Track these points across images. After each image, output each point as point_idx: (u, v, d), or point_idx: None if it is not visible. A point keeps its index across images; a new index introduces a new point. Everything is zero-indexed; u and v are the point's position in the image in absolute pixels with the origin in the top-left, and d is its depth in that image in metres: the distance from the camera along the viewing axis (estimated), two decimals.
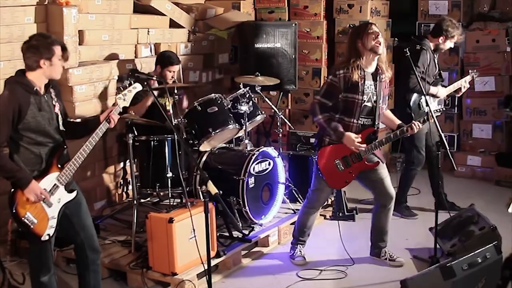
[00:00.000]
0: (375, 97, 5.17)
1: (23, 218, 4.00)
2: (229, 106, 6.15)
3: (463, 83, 6.63)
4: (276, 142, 7.43)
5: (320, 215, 6.60)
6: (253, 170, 5.88)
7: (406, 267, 5.49)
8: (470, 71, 6.93)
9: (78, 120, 5.40)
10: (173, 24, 7.46)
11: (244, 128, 6.21)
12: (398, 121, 5.40)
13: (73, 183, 4.31)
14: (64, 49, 4.16)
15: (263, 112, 6.59)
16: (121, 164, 6.88)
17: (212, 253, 5.14)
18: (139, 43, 6.97)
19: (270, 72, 7.40)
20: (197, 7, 7.87)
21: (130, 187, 6.73)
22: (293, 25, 7.91)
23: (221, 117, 6.00)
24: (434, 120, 5.24)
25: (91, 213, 4.55)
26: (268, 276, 5.44)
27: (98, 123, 4.29)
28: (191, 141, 5.94)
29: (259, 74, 6.67)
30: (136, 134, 5.89)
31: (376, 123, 5.23)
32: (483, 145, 8.49)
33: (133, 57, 6.90)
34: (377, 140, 5.23)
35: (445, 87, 6.61)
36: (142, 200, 6.33)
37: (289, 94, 8.62)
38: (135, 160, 5.91)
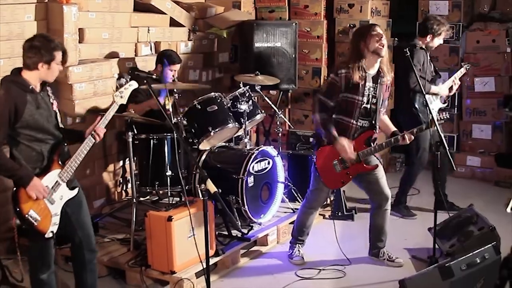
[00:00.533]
0: (374, 100, 5.17)
1: (26, 216, 4.00)
2: (228, 105, 6.15)
3: (454, 80, 6.66)
4: (275, 141, 7.44)
5: (319, 214, 6.60)
6: (253, 169, 5.88)
7: (405, 267, 5.49)
8: (462, 63, 6.97)
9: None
10: (173, 23, 7.46)
11: (243, 127, 6.20)
12: (393, 128, 5.39)
13: (74, 181, 4.32)
14: (64, 54, 4.16)
15: (263, 111, 6.59)
16: (121, 163, 6.88)
17: (211, 252, 5.13)
18: (139, 41, 6.97)
19: (270, 72, 7.41)
20: (197, 6, 7.88)
21: (129, 185, 6.72)
22: (293, 24, 7.91)
23: (221, 116, 6.00)
24: (436, 125, 5.23)
25: (90, 211, 4.56)
26: (266, 275, 5.44)
27: (81, 136, 4.30)
28: (191, 140, 5.94)
29: (259, 73, 6.67)
30: (135, 132, 5.89)
31: (375, 126, 5.23)
32: (483, 145, 8.49)
33: (133, 55, 6.90)
34: (377, 144, 5.22)
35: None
36: (142, 199, 6.33)
37: (289, 94, 8.62)
38: (135, 158, 5.91)
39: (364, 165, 5.24)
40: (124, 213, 6.17)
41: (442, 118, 5.40)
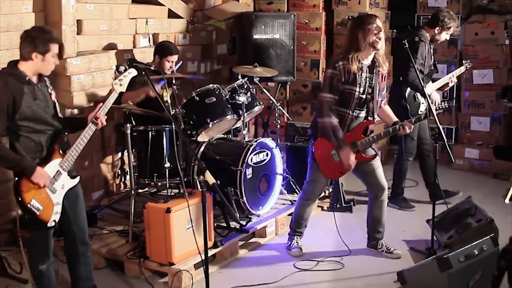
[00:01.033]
0: (370, 90, 5.16)
1: (28, 205, 4.01)
2: (227, 97, 6.14)
3: (452, 78, 6.63)
4: (274, 133, 7.44)
5: (318, 206, 6.61)
6: (251, 161, 5.89)
7: (403, 259, 5.50)
8: (464, 61, 6.94)
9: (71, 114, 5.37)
10: (172, 15, 7.45)
11: (242, 119, 6.20)
12: (395, 118, 5.38)
13: (74, 170, 4.33)
14: (61, 47, 4.17)
15: (261, 103, 6.59)
16: (119, 154, 6.88)
17: (210, 244, 5.13)
18: (137, 33, 6.96)
19: (269, 63, 7.40)
20: None
21: (128, 177, 6.72)
22: (292, 16, 7.89)
23: (219, 107, 6.00)
24: (434, 116, 5.23)
25: (89, 203, 4.57)
26: (265, 266, 5.45)
27: (84, 123, 4.31)
28: (189, 132, 5.93)
29: (258, 65, 6.67)
30: (134, 124, 5.89)
31: (372, 116, 5.23)
32: (481, 138, 8.50)
33: (131, 47, 6.89)
34: (375, 134, 5.22)
35: (434, 81, 6.62)
36: (140, 190, 6.35)
37: (287, 85, 8.61)
38: (133, 150, 5.91)
39: (363, 154, 5.24)
40: (123, 205, 6.17)
41: (440, 107, 5.40)
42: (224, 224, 5.73)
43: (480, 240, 4.58)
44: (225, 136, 6.44)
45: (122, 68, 4.54)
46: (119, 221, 5.95)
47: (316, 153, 5.30)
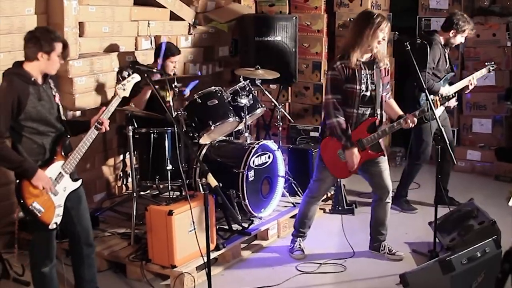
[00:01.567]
0: (373, 86, 5.15)
1: (30, 207, 4.01)
2: (229, 99, 6.14)
3: (471, 80, 6.53)
4: (276, 135, 7.43)
5: (320, 208, 6.60)
6: (253, 163, 5.88)
7: (406, 261, 5.49)
8: (486, 63, 6.76)
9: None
10: (174, 17, 7.45)
11: (244, 121, 6.20)
12: (400, 112, 5.35)
13: (76, 173, 4.33)
14: (65, 47, 4.17)
15: (263, 105, 6.59)
16: (121, 157, 6.87)
17: (212, 246, 5.14)
18: (139, 35, 6.96)
19: (270, 65, 7.40)
20: (198, 0, 7.85)
21: (130, 179, 6.72)
22: (294, 18, 7.89)
23: (221, 110, 5.99)
24: (436, 118, 5.22)
25: (91, 205, 4.57)
26: (267, 269, 5.44)
27: (87, 126, 4.31)
28: (191, 134, 5.93)
29: (259, 67, 6.67)
30: (136, 126, 5.88)
31: (378, 112, 5.21)
32: (483, 139, 8.48)
33: (133, 49, 6.89)
34: (380, 130, 5.20)
35: (452, 83, 6.57)
36: (142, 193, 6.34)
37: (289, 88, 8.61)
38: (135, 152, 5.91)
39: (369, 151, 5.22)
40: (125, 207, 6.18)
41: (446, 96, 5.37)
42: (226, 227, 5.73)
43: (483, 242, 4.57)
44: (227, 138, 6.44)
45: (125, 73, 4.55)
46: (121, 223, 5.95)
47: (323, 154, 5.29)
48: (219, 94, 6.03)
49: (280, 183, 6.29)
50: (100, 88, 6.31)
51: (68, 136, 4.27)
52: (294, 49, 7.81)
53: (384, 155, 5.35)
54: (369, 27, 4.98)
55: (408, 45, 5.39)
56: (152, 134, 5.87)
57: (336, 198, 6.71)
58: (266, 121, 8.01)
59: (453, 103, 6.49)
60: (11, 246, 5.52)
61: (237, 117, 6.11)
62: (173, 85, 5.84)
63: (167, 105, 5.76)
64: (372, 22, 4.98)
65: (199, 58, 7.77)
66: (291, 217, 6.27)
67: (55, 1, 5.90)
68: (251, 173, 5.86)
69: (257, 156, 5.94)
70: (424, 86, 5.40)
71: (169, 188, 5.87)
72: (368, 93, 5.13)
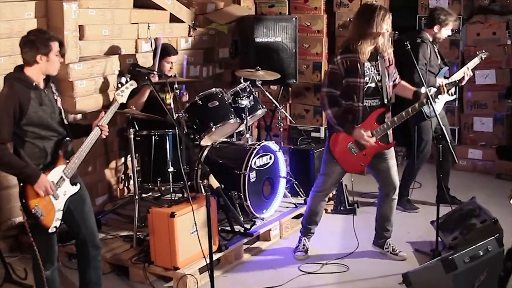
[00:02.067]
0: (378, 77, 5.14)
1: (32, 210, 4.01)
2: (230, 101, 6.15)
3: (466, 71, 6.57)
4: (277, 136, 7.43)
5: None
6: (254, 165, 5.88)
7: (408, 261, 5.49)
8: (477, 52, 6.82)
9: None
10: (173, 19, 7.45)
11: (245, 122, 6.20)
12: (413, 88, 5.34)
13: (77, 177, 4.33)
14: (61, 45, 4.17)
15: (264, 107, 6.59)
16: (122, 159, 6.88)
17: (214, 248, 5.14)
18: (139, 38, 6.95)
19: (271, 66, 7.40)
20: (197, 2, 7.85)
21: (131, 182, 6.73)
22: (294, 19, 7.89)
23: (222, 111, 6.00)
24: (436, 115, 5.22)
25: (92, 208, 4.56)
26: (270, 270, 5.44)
27: (88, 130, 4.32)
28: (192, 136, 5.93)
29: (260, 68, 6.67)
30: (137, 128, 5.89)
31: (386, 103, 5.19)
32: (484, 138, 8.48)
33: (133, 52, 6.89)
34: (389, 120, 5.19)
35: (447, 78, 6.59)
36: (144, 195, 6.34)
37: (290, 89, 8.61)
38: (136, 155, 5.91)
39: (380, 143, 5.21)
40: (127, 209, 6.17)
41: (452, 82, 5.38)
42: (229, 228, 5.73)
43: (485, 241, 4.56)
44: (228, 140, 6.44)
45: (123, 80, 4.56)
46: (123, 226, 5.95)
47: (334, 149, 5.28)
48: (219, 96, 6.04)
49: (282, 184, 6.29)
50: (100, 91, 6.31)
51: (70, 140, 4.27)
52: (294, 50, 7.81)
53: (391, 148, 5.33)
54: (373, 19, 4.98)
55: (408, 45, 5.41)
56: (153, 137, 5.87)
57: (338, 198, 6.71)
58: (267, 122, 8.00)
59: (447, 98, 6.49)
60: (14, 250, 5.53)
61: (238, 119, 6.11)
62: (174, 87, 5.85)
63: (168, 107, 5.77)
64: (377, 14, 5.00)
65: (199, 60, 7.77)
66: (293, 218, 6.28)
67: (55, 5, 5.91)
68: (253, 174, 5.87)
69: (258, 157, 5.94)
70: (424, 82, 5.44)
71: (171, 190, 5.87)
72: (373, 85, 5.12)
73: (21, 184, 4.03)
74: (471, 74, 6.60)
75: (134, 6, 6.93)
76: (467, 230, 5.43)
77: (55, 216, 4.14)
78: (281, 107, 7.12)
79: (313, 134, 8.47)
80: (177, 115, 5.81)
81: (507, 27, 8.19)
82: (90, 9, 6.37)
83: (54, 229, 4.15)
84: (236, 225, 5.77)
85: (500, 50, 8.24)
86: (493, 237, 4.62)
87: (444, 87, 5.40)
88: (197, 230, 4.99)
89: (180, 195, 6.12)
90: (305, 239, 5.70)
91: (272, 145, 6.19)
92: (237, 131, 6.47)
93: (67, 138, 4.24)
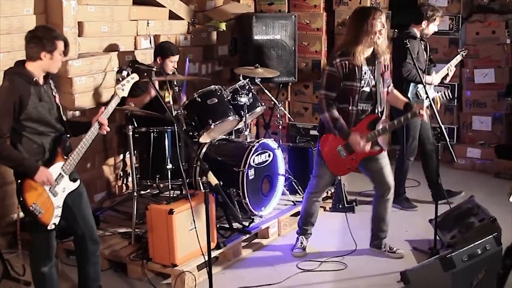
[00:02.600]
0: (373, 82, 5.14)
1: (30, 208, 4.00)
2: (229, 98, 6.14)
3: (450, 67, 6.65)
4: (275, 134, 7.44)
5: (320, 206, 6.58)
6: (253, 162, 5.88)
7: (406, 259, 5.49)
8: (458, 50, 6.95)
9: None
10: (173, 16, 7.45)
11: (244, 119, 6.20)
12: (405, 99, 5.36)
13: (75, 173, 4.32)
14: (66, 45, 4.18)
15: (263, 104, 6.59)
16: (121, 156, 6.88)
17: (212, 245, 5.14)
18: (138, 34, 6.96)
19: (270, 64, 7.41)
20: None
21: (130, 178, 6.73)
22: (293, 16, 7.88)
23: (221, 108, 6.00)
24: (434, 111, 5.23)
25: (91, 205, 4.56)
26: (268, 267, 5.44)
27: (87, 127, 4.31)
28: (191, 133, 5.93)
29: (259, 66, 6.67)
30: (136, 125, 5.87)
31: (378, 109, 5.18)
32: (483, 137, 8.48)
33: (132, 48, 6.89)
34: (379, 127, 5.19)
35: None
36: (142, 192, 6.33)
37: (289, 86, 8.61)
38: (135, 151, 5.90)
39: (370, 149, 5.20)
40: (125, 206, 6.17)
41: (443, 96, 5.39)
42: (227, 225, 5.73)
43: (483, 240, 4.57)
44: (227, 137, 6.44)
45: (125, 73, 4.55)
46: (122, 222, 5.95)
47: (323, 151, 5.28)
48: (218, 93, 6.03)
49: (280, 181, 6.29)
50: (99, 88, 6.31)
51: (69, 136, 4.27)
52: (293, 48, 7.81)
53: (384, 150, 5.31)
54: (366, 20, 4.97)
55: (408, 43, 5.42)
56: (152, 133, 5.86)
57: (336, 196, 6.71)
58: (266, 119, 8.01)
59: (434, 94, 6.54)
60: (12, 246, 5.52)
61: (237, 116, 6.11)
62: (174, 84, 5.85)
63: (167, 105, 5.76)
64: (368, 14, 5.00)
65: (199, 57, 7.77)
66: (291, 215, 6.28)
67: (54, 1, 5.91)
68: (251, 172, 5.86)
69: (257, 155, 5.94)
70: (422, 79, 5.47)
71: (170, 187, 5.88)
72: (367, 89, 5.11)
73: (19, 181, 4.03)
74: (454, 70, 6.77)
75: (133, 3, 6.94)
76: (466, 229, 5.44)
77: (54, 213, 4.13)
78: (280, 104, 7.12)
79: (312, 132, 8.48)
80: (176, 112, 5.81)
81: (506, 26, 8.20)
82: (89, 5, 6.38)
83: (53, 226, 4.14)
84: (235, 222, 5.76)
85: (499, 49, 8.24)
86: (491, 236, 4.63)
87: (438, 99, 5.42)
88: (195, 227, 4.99)
89: (179, 192, 6.11)
90: (302, 237, 5.70)
91: (271, 142, 6.19)
92: (236, 128, 6.47)
93: (66, 135, 4.24)
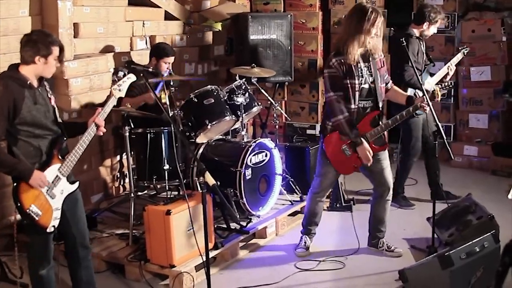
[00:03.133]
0: (371, 78, 5.13)
1: (27, 211, 3.98)
2: (225, 98, 6.14)
3: (450, 66, 6.63)
4: (272, 133, 7.43)
5: None
6: (250, 162, 5.88)
7: (404, 257, 5.49)
8: (459, 48, 6.93)
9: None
10: (168, 16, 7.45)
11: (240, 119, 6.19)
12: (406, 94, 5.36)
13: (72, 175, 4.31)
14: (61, 50, 4.16)
15: (259, 104, 6.58)
16: (118, 157, 6.87)
17: (210, 245, 5.12)
18: (134, 35, 6.96)
19: (266, 64, 7.40)
20: None
21: (127, 180, 6.72)
22: (289, 16, 7.88)
23: (218, 108, 5.99)
24: (431, 109, 5.23)
25: (88, 207, 4.56)
26: (266, 267, 5.44)
27: (84, 128, 4.29)
28: (188, 133, 5.92)
29: (255, 66, 6.66)
30: (132, 126, 5.86)
31: (380, 105, 5.18)
32: (480, 135, 8.49)
33: (128, 49, 6.89)
34: (383, 123, 5.18)
35: (432, 74, 6.63)
36: (139, 193, 6.33)
37: (285, 86, 8.61)
38: (132, 152, 5.89)
39: (374, 145, 5.19)
40: (122, 207, 6.15)
41: (446, 86, 5.37)
42: (225, 225, 5.72)
43: (481, 237, 4.57)
44: (224, 137, 6.43)
45: (121, 74, 4.54)
46: (119, 224, 5.93)
47: (327, 150, 5.27)
48: (215, 93, 6.03)
49: (278, 181, 6.28)
50: (95, 89, 6.30)
51: (65, 138, 4.25)
52: (289, 47, 7.81)
53: (388, 146, 5.32)
54: (364, 23, 4.95)
55: (404, 41, 5.42)
56: (148, 134, 5.85)
57: (334, 196, 6.71)
58: (262, 119, 8.00)
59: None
60: (9, 248, 5.51)
61: (233, 116, 6.10)
62: (170, 85, 5.84)
63: (164, 106, 5.75)
64: (368, 18, 4.95)
65: (195, 57, 7.76)
66: (289, 215, 6.28)
67: (49, 3, 5.90)
68: (249, 172, 5.86)
69: (254, 155, 5.93)
70: (419, 80, 5.46)
71: (167, 188, 5.86)
72: (366, 86, 5.11)
73: (15, 184, 4.01)
74: (454, 68, 6.72)
75: (129, 3, 6.94)
76: (463, 227, 5.44)
77: (53, 215, 4.11)
78: (277, 104, 7.11)
79: (309, 131, 8.48)
80: (172, 112, 5.80)
81: (502, 23, 8.21)
82: (85, 6, 6.38)
83: (53, 229, 4.13)
84: (232, 222, 5.75)
85: (495, 47, 8.25)
86: (489, 233, 4.64)
87: (438, 91, 5.41)
88: (193, 228, 4.97)
89: (176, 192, 6.10)
90: (306, 237, 5.69)
91: (268, 142, 6.18)
92: (232, 128, 6.46)
93: (62, 137, 4.22)
